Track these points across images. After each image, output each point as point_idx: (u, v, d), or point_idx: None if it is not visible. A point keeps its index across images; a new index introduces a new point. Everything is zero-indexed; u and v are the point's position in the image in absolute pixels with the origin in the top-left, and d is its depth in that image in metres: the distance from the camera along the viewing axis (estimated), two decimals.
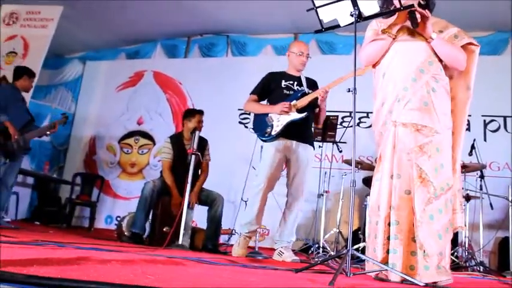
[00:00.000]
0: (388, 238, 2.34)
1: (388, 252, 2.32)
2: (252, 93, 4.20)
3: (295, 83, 4.10)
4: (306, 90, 4.04)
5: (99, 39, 8.69)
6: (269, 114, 3.98)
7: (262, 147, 4.05)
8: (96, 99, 8.68)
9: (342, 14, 2.65)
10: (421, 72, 2.46)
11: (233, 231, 6.16)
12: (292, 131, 3.91)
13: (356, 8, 2.55)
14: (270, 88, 4.14)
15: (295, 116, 3.89)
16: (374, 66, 2.71)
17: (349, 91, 2.59)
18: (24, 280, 0.88)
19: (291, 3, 6.82)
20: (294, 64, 4.15)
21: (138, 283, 1.11)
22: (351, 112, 6.64)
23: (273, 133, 3.90)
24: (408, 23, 2.51)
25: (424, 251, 2.25)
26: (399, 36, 2.57)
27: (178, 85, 8.16)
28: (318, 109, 4.07)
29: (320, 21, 2.72)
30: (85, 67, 9.07)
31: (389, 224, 2.35)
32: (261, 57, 7.86)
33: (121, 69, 8.72)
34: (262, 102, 4.20)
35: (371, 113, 6.78)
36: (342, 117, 6.51)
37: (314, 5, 2.68)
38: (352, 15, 2.57)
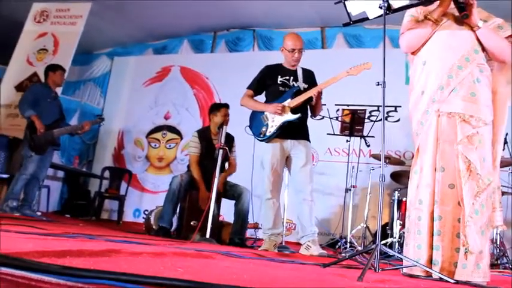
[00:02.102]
0: (432, 234, 2.27)
1: (432, 248, 2.26)
2: (249, 88, 4.22)
3: (291, 78, 4.08)
4: (301, 86, 4.03)
5: (126, 35, 8.80)
6: (264, 113, 3.99)
7: (260, 147, 4.07)
8: (124, 95, 8.80)
9: (371, 6, 2.62)
10: (466, 60, 2.37)
11: (259, 226, 6.18)
12: (288, 131, 3.92)
13: (385, 0, 2.52)
14: (266, 84, 4.15)
15: (289, 116, 3.89)
16: (414, 53, 2.61)
17: (378, 84, 2.55)
18: (59, 271, 0.90)
19: None
20: (287, 60, 4.14)
21: (169, 275, 1.12)
22: (378, 106, 6.73)
23: (268, 134, 3.92)
24: (452, 10, 2.43)
25: (467, 248, 2.16)
26: (442, 22, 2.48)
27: (205, 80, 8.21)
28: (313, 103, 4.03)
29: (348, 14, 2.70)
30: (113, 63, 9.20)
31: (433, 219, 2.28)
32: None
33: (148, 65, 8.82)
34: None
35: (399, 106, 6.78)
36: (370, 111, 6.43)
37: None
38: (381, 8, 2.54)
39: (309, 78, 4.14)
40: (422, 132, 2.42)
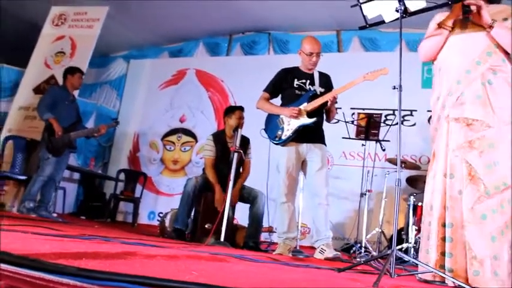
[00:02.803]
0: (443, 239, 2.25)
1: (443, 254, 2.24)
2: (265, 90, 4.22)
3: (308, 81, 4.07)
4: (318, 90, 4.02)
5: (142, 38, 8.87)
6: (280, 116, 3.98)
7: (276, 150, 4.07)
8: (140, 97, 8.86)
9: (387, 9, 2.61)
10: (477, 64, 2.35)
11: (273, 229, 6.16)
12: (303, 134, 3.91)
13: (402, 3, 2.50)
14: (282, 87, 4.14)
15: (305, 120, 3.88)
16: (433, 61, 2.62)
17: (394, 88, 2.54)
18: (75, 273, 0.90)
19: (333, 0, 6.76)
20: (304, 64, 4.12)
21: (183, 278, 1.12)
22: (394, 110, 6.68)
23: (283, 137, 3.91)
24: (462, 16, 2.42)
25: (472, 254, 2.13)
26: (456, 28, 2.47)
27: (220, 83, 8.23)
28: (327, 107, 4.01)
29: (364, 17, 2.69)
30: (129, 65, 9.27)
31: (443, 225, 2.27)
32: None
33: (164, 68, 8.88)
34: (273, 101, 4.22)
35: (415, 110, 6.72)
36: (385, 115, 6.39)
37: (358, 0, 2.65)
38: (397, 11, 2.53)
39: (326, 82, 4.13)
40: (436, 139, 2.43)
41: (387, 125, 5.43)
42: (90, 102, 8.38)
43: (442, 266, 2.23)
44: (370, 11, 2.65)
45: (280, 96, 4.22)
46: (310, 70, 4.11)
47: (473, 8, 2.32)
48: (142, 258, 1.54)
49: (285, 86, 4.11)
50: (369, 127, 5.22)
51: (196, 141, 8.09)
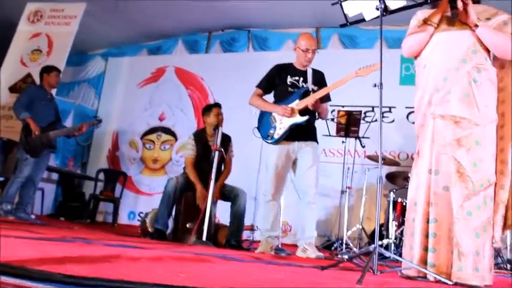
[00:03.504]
0: (427, 236, 2.28)
1: (426, 249, 2.27)
2: (258, 86, 4.19)
3: (301, 79, 4.06)
4: (310, 87, 4.01)
5: (120, 35, 8.76)
6: (272, 114, 3.97)
7: (267, 148, 4.07)
8: (119, 95, 8.77)
9: (367, 7, 2.63)
10: (463, 62, 2.36)
11: (255, 227, 6.17)
12: (295, 133, 3.90)
13: (382, 1, 2.52)
14: (275, 83, 4.12)
15: (297, 119, 3.87)
16: (416, 57, 2.61)
17: (375, 86, 2.55)
18: (61, 280, 0.88)
19: None
20: (299, 60, 4.10)
21: (171, 282, 1.11)
22: (373, 107, 6.73)
23: (276, 136, 3.90)
24: (449, 12, 2.43)
25: (459, 250, 2.16)
26: (441, 25, 2.47)
27: (199, 80, 8.19)
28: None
29: (345, 15, 2.70)
30: (107, 63, 9.16)
31: (427, 221, 2.29)
32: (283, 52, 7.80)
33: (143, 65, 8.78)
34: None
35: (394, 107, 6.77)
36: (364, 112, 6.43)
37: None
38: (377, 9, 2.54)
39: (319, 79, 4.11)
40: (421, 136, 2.44)
41: (367, 122, 5.48)
42: (68, 101, 8.25)
43: (425, 262, 2.25)
44: (351, 9, 2.66)
45: (272, 92, 4.19)
46: (305, 67, 4.10)
47: (459, 4, 2.32)
48: (126, 261, 1.53)
49: (278, 82, 4.09)
50: (349, 124, 5.26)
51: (176, 140, 8.04)
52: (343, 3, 2.64)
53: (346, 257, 4.56)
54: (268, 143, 3.98)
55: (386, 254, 2.42)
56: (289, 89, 4.02)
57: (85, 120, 8.01)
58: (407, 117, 6.73)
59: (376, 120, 5.62)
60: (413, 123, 6.57)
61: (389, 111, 6.77)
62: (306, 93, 3.93)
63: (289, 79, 4.05)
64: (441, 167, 2.30)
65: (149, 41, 8.96)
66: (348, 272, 2.44)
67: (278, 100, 4.06)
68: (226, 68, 7.96)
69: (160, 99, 8.35)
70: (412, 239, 2.34)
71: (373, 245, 2.24)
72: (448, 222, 2.24)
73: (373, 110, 6.77)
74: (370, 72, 3.68)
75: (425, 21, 2.49)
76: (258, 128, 4.13)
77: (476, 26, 2.36)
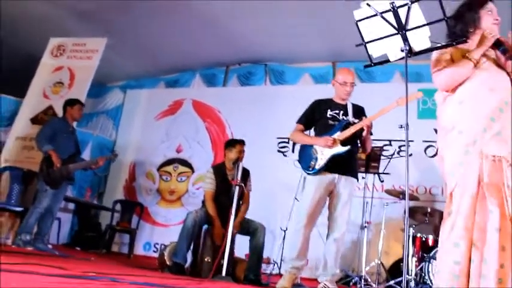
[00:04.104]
0: (468, 279, 2.21)
1: None
2: (298, 122, 4.20)
3: (341, 112, 4.06)
4: (351, 119, 3.99)
5: (139, 68, 8.95)
6: (314, 146, 3.96)
7: (305, 178, 4.04)
8: (136, 127, 8.87)
9: (392, 48, 2.66)
10: (506, 104, 2.37)
11: (271, 261, 6.12)
12: (336, 164, 3.87)
13: (406, 43, 2.56)
14: (315, 118, 4.13)
15: (338, 149, 3.85)
16: (451, 91, 2.56)
17: (401, 127, 2.56)
18: None
19: (329, 32, 6.89)
20: (338, 93, 4.12)
21: None
22: (390, 140, 6.72)
23: (317, 167, 3.88)
24: (489, 51, 2.45)
25: None
26: (480, 62, 2.47)
27: (217, 113, 8.27)
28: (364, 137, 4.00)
29: (369, 55, 2.74)
30: (126, 95, 9.31)
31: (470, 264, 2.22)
32: (299, 86, 7.90)
33: (160, 98, 8.91)
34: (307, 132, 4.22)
35: (411, 141, 6.75)
36: (382, 146, 6.43)
37: (363, 40, 2.69)
38: (402, 51, 2.58)
39: (359, 113, 4.11)
40: (458, 173, 2.38)
41: (387, 157, 5.47)
42: (86, 132, 8.36)
43: None
44: (375, 50, 2.69)
45: (313, 127, 4.21)
46: (344, 100, 4.12)
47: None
48: None
49: (318, 117, 4.11)
50: (369, 160, 5.25)
51: (193, 172, 8.07)
52: (367, 45, 2.68)
53: None
54: (308, 174, 3.95)
55: None
56: (330, 122, 4.03)
57: (103, 151, 8.15)
58: (425, 151, 6.71)
59: (393, 156, 5.61)
60: (430, 156, 6.66)
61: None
62: (347, 126, 3.93)
63: (329, 112, 4.06)
64: (494, 208, 2.23)
65: (167, 74, 9.12)
66: None
67: (319, 134, 4.05)
68: (244, 101, 8.04)
69: (178, 132, 8.43)
70: (457, 282, 2.23)
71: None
72: (498, 264, 2.17)
73: (390, 144, 6.76)
74: (412, 100, 3.64)
75: (465, 56, 2.47)
76: (299, 161, 4.11)
77: None
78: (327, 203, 4.00)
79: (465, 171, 2.35)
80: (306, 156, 4.01)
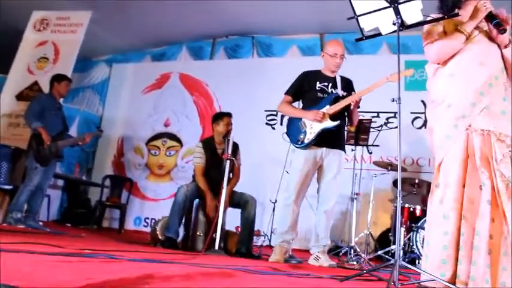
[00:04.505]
0: (457, 249, 2.25)
1: (458, 262, 2.24)
2: (286, 93, 4.18)
3: (330, 84, 4.06)
4: (340, 93, 4.01)
5: (125, 42, 8.81)
6: (302, 119, 3.97)
7: (293, 150, 4.06)
8: (123, 102, 8.80)
9: (384, 22, 2.64)
10: (495, 79, 2.37)
11: (261, 233, 6.20)
12: (324, 138, 3.90)
13: (398, 16, 2.55)
14: (304, 89, 4.12)
15: (328, 124, 3.87)
16: (442, 64, 2.55)
17: (393, 101, 2.58)
18: None
19: (317, 3, 6.82)
20: (327, 65, 4.10)
21: None
22: (378, 112, 6.76)
23: (306, 141, 3.89)
24: (482, 24, 2.44)
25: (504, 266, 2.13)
26: (472, 35, 2.46)
27: (204, 87, 8.23)
28: (351, 111, 4.03)
29: (361, 29, 2.72)
30: (112, 70, 9.20)
31: (461, 235, 2.26)
32: (287, 58, 7.87)
33: (147, 72, 8.82)
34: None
35: (396, 112, 6.76)
36: (370, 118, 6.46)
37: (355, 13, 2.68)
38: (394, 24, 2.57)
39: (347, 86, 4.13)
40: (447, 146, 2.41)
41: (376, 129, 5.50)
42: (73, 108, 8.27)
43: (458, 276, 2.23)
44: (367, 24, 2.68)
45: (301, 99, 4.20)
46: (333, 72, 4.10)
47: (506, 27, 2.34)
48: (161, 282, 1.56)
49: (307, 89, 4.09)
50: (359, 132, 5.28)
51: (182, 146, 8.07)
52: (359, 18, 2.66)
53: (354, 262, 4.64)
54: (297, 147, 3.97)
55: (412, 268, 2.40)
56: (319, 94, 4.03)
57: (90, 126, 8.09)
58: (412, 122, 6.77)
59: (382, 128, 5.64)
60: (418, 128, 6.72)
61: (394, 116, 6.80)
62: (336, 99, 3.94)
63: (318, 85, 4.05)
64: (485, 181, 2.26)
65: (153, 48, 9.01)
66: (367, 283, 2.46)
67: (308, 106, 4.06)
68: (231, 74, 8.00)
69: (165, 105, 8.38)
70: (445, 253, 2.28)
71: (382, 251, 2.24)
72: (488, 236, 2.19)
73: (378, 116, 6.81)
74: (401, 77, 3.66)
75: (457, 29, 2.47)
76: (287, 133, 4.11)
77: (506, 46, 2.39)
78: (316, 175, 4.05)
79: (453, 145, 2.37)
80: (294, 130, 4.02)
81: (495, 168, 2.26)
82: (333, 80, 4.10)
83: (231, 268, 2.39)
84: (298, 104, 4.27)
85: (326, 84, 4.07)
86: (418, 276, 2.48)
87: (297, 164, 3.94)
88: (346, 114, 4.07)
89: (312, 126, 3.90)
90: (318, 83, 4.07)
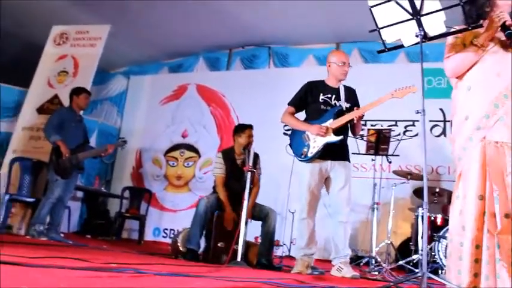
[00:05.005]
0: (476, 261, 2.26)
1: (475, 275, 2.25)
2: (290, 104, 4.18)
3: (333, 96, 4.04)
4: (344, 105, 4.00)
5: (142, 54, 8.92)
6: (305, 132, 3.97)
7: (299, 164, 4.06)
8: (141, 113, 8.88)
9: (406, 33, 2.65)
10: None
11: (280, 243, 6.18)
12: (328, 151, 3.89)
13: (421, 28, 2.55)
14: (307, 101, 4.11)
15: (331, 138, 3.86)
16: (459, 78, 2.60)
17: (417, 112, 2.58)
18: None
19: (332, 13, 6.84)
20: (335, 75, 4.07)
21: None
22: (396, 121, 6.73)
23: (309, 155, 3.89)
24: (499, 34, 2.44)
25: None
26: (488, 48, 2.47)
27: (221, 97, 8.27)
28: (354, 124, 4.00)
29: (383, 41, 2.73)
30: (129, 82, 9.30)
31: (477, 247, 2.27)
32: (303, 68, 7.88)
33: (164, 83, 8.90)
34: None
35: (417, 121, 6.74)
36: (390, 128, 6.43)
37: (377, 26, 2.69)
38: (417, 36, 2.57)
39: (351, 96, 4.11)
40: (464, 158, 2.42)
41: (397, 139, 5.48)
42: (91, 120, 8.34)
43: None
44: (389, 36, 2.69)
45: (305, 110, 4.20)
46: (339, 82, 4.09)
47: None
48: None
49: (310, 101, 4.08)
50: (379, 142, 5.27)
51: (199, 157, 8.11)
52: (381, 30, 2.67)
53: (376, 273, 4.60)
54: (300, 161, 3.99)
55: (437, 279, 2.40)
56: (322, 106, 4.01)
57: (108, 138, 8.17)
58: (430, 130, 6.73)
59: (402, 138, 5.63)
60: (436, 136, 6.67)
61: (413, 124, 6.77)
62: (339, 113, 3.93)
63: (321, 97, 4.04)
64: (500, 193, 2.27)
65: (170, 59, 9.09)
66: None
67: (311, 118, 4.05)
68: (247, 84, 8.04)
69: (183, 116, 8.44)
70: (460, 264, 2.32)
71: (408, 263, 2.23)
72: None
73: (396, 125, 6.78)
74: (406, 94, 3.67)
75: (471, 42, 2.48)
76: (290, 145, 4.11)
77: None
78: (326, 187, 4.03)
79: (469, 157, 2.39)
80: (297, 142, 4.02)
81: (509, 181, 2.26)
82: (337, 91, 4.08)
83: (258, 281, 2.39)
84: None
85: (329, 96, 4.05)
86: (441, 286, 2.48)
87: (303, 178, 3.94)
88: (349, 126, 4.06)
89: (316, 140, 3.90)
90: (321, 94, 4.06)
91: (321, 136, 3.86)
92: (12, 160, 6.11)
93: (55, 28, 7.31)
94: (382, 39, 2.70)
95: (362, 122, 6.70)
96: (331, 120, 3.91)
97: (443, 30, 2.53)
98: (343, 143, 4.02)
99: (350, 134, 4.16)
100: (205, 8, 7.12)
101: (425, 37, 2.56)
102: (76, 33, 7.21)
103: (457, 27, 2.54)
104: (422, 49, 2.61)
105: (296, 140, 4.05)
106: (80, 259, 2.64)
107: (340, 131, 3.91)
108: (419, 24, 2.54)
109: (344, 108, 3.98)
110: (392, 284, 2.59)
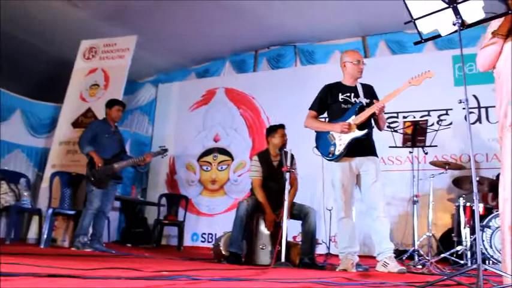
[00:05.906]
0: None
1: None
2: (311, 108, 4.25)
3: (352, 94, 4.10)
4: (364, 101, 4.04)
5: (168, 61, 9.01)
6: (330, 132, 4.01)
7: (330, 166, 4.08)
8: (172, 120, 8.96)
9: (443, 23, 2.61)
10: None
11: (319, 241, 6.15)
12: (355, 148, 3.92)
13: (458, 16, 2.50)
14: (327, 103, 4.18)
15: (356, 133, 3.90)
16: (494, 68, 2.58)
17: (460, 102, 2.53)
18: None
19: (357, 6, 6.77)
20: (351, 73, 4.14)
21: None
22: (428, 111, 6.63)
23: (337, 153, 3.92)
24: None
25: None
26: (510, 35, 2.45)
27: (250, 99, 8.29)
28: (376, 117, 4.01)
29: (419, 32, 2.70)
30: (158, 90, 9.39)
31: None
32: (330, 64, 7.81)
33: (193, 89, 8.96)
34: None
35: (451, 109, 6.63)
36: (426, 120, 6.32)
37: (412, 17, 2.65)
38: (454, 24, 2.53)
39: (369, 92, 4.16)
40: (502, 148, 2.40)
41: (434, 130, 5.40)
42: (123, 130, 8.43)
43: None
44: (425, 26, 2.65)
45: (326, 112, 4.25)
46: (356, 80, 4.16)
47: None
48: None
49: (330, 102, 4.15)
50: (416, 134, 5.21)
51: (233, 160, 8.14)
52: (416, 21, 2.63)
53: (420, 266, 4.55)
54: (328, 160, 4.02)
55: (497, 271, 2.35)
56: (343, 105, 4.08)
57: (141, 147, 8.28)
58: (465, 118, 6.59)
59: (439, 128, 5.56)
60: (471, 123, 6.52)
61: (446, 113, 6.67)
62: (361, 108, 3.98)
63: (340, 96, 4.11)
64: None
65: (197, 65, 9.16)
66: None
67: (333, 118, 4.11)
68: (275, 84, 8.03)
69: (213, 121, 8.49)
70: (504, 252, 2.28)
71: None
72: None
73: (429, 115, 6.69)
74: (423, 80, 3.69)
75: (494, 34, 2.47)
76: (317, 147, 4.17)
77: None
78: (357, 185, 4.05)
79: (503, 147, 2.39)
80: (324, 143, 4.06)
81: None
82: (355, 89, 4.14)
83: (310, 281, 2.39)
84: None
85: (348, 94, 4.11)
86: (496, 278, 2.43)
87: (336, 178, 3.98)
88: (372, 120, 4.08)
89: (341, 138, 3.94)
90: (340, 94, 4.11)
91: (345, 133, 3.90)
92: (52, 175, 6.26)
93: (84, 43, 7.46)
94: (418, 30, 2.66)
95: (394, 115, 6.79)
96: (354, 116, 3.96)
97: (482, 16, 2.48)
98: (369, 138, 4.04)
99: (376, 129, 4.17)
100: (227, 11, 7.15)
101: (463, 25, 2.52)
102: (104, 46, 7.34)
103: (497, 13, 2.49)
104: (460, 37, 2.56)
105: (322, 141, 4.11)
106: (133, 269, 2.68)
107: (363, 126, 3.94)
108: (456, 12, 2.49)
109: (364, 104, 4.02)
110: (446, 277, 2.54)
